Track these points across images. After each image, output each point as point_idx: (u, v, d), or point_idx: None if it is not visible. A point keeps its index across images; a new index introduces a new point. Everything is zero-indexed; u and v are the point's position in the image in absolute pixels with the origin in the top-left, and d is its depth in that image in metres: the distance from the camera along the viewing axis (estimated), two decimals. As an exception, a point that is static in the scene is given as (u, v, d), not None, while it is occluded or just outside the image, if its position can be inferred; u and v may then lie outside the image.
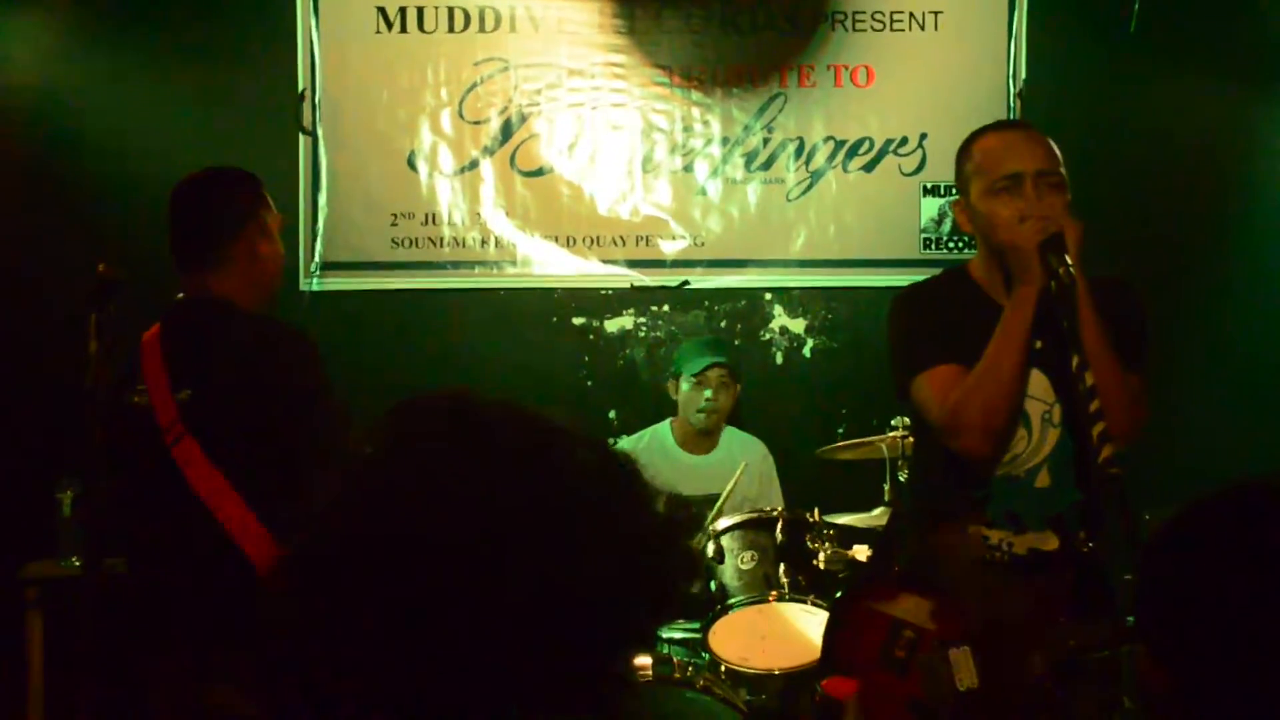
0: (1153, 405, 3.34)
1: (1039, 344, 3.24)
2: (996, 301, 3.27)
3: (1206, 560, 1.45)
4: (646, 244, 6.21)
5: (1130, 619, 2.95)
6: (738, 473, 5.29)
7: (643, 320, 6.27)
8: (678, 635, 4.89)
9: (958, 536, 3.31)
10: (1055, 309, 3.11)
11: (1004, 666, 3.12)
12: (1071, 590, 3.28)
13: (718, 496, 5.26)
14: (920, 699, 3.16)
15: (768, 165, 6.22)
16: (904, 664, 3.19)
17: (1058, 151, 3.30)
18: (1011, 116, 6.00)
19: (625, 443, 5.79)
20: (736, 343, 6.20)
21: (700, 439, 5.68)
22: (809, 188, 6.22)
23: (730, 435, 5.76)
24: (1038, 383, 3.29)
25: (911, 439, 4.65)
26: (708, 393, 5.55)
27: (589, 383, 6.26)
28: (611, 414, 6.23)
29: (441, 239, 6.17)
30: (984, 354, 3.18)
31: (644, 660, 4.32)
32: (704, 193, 6.22)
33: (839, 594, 3.51)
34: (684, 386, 5.62)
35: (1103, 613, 3.16)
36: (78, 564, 5.09)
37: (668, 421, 5.79)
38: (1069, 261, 3.07)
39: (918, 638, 3.19)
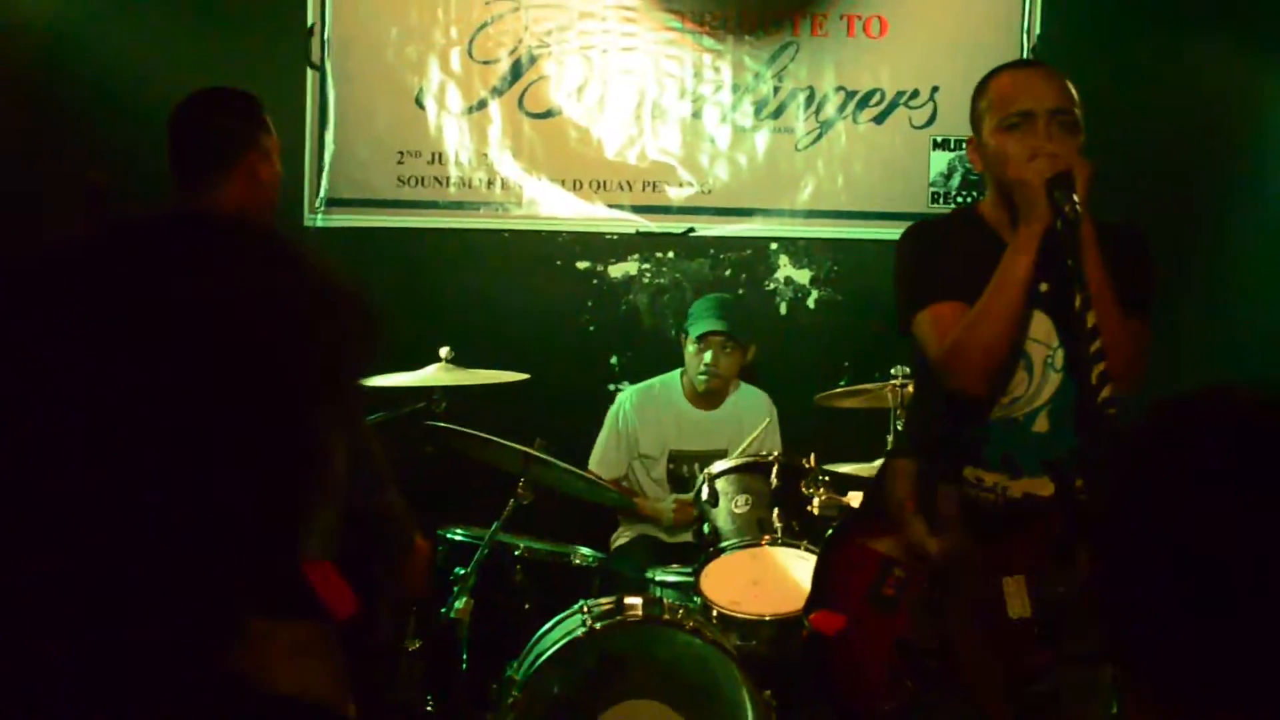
0: (1152, 354, 3.30)
1: (1044, 287, 3.20)
2: (1004, 241, 3.23)
3: (1162, 463, 1.42)
4: (653, 190, 6.17)
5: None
6: (758, 430, 5.28)
7: (647, 266, 6.24)
8: (670, 578, 4.89)
9: (953, 478, 3.28)
10: (1060, 249, 3.07)
11: (991, 609, 3.09)
12: (1063, 537, 3.25)
13: (723, 452, 5.23)
14: (907, 638, 3.14)
15: (777, 114, 6.18)
16: (893, 602, 3.17)
17: (1074, 92, 3.25)
18: (1027, 65, 5.95)
19: (632, 390, 5.78)
20: (740, 292, 6.17)
21: (706, 395, 5.65)
22: (818, 138, 6.18)
23: (738, 391, 5.72)
24: (1041, 326, 3.25)
25: (911, 386, 4.63)
26: (707, 357, 5.48)
27: (591, 327, 6.24)
28: (613, 360, 6.21)
29: (448, 178, 6.14)
30: (985, 291, 3.15)
31: (635, 600, 4.33)
32: (712, 140, 6.19)
33: (831, 531, 3.48)
34: (689, 346, 5.57)
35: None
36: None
37: (678, 372, 5.74)
38: (1076, 200, 3.03)
39: (908, 577, 3.17)
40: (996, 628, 3.08)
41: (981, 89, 3.36)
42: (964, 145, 5.89)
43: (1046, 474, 3.26)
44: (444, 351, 5.01)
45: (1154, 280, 3.36)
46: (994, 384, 3.21)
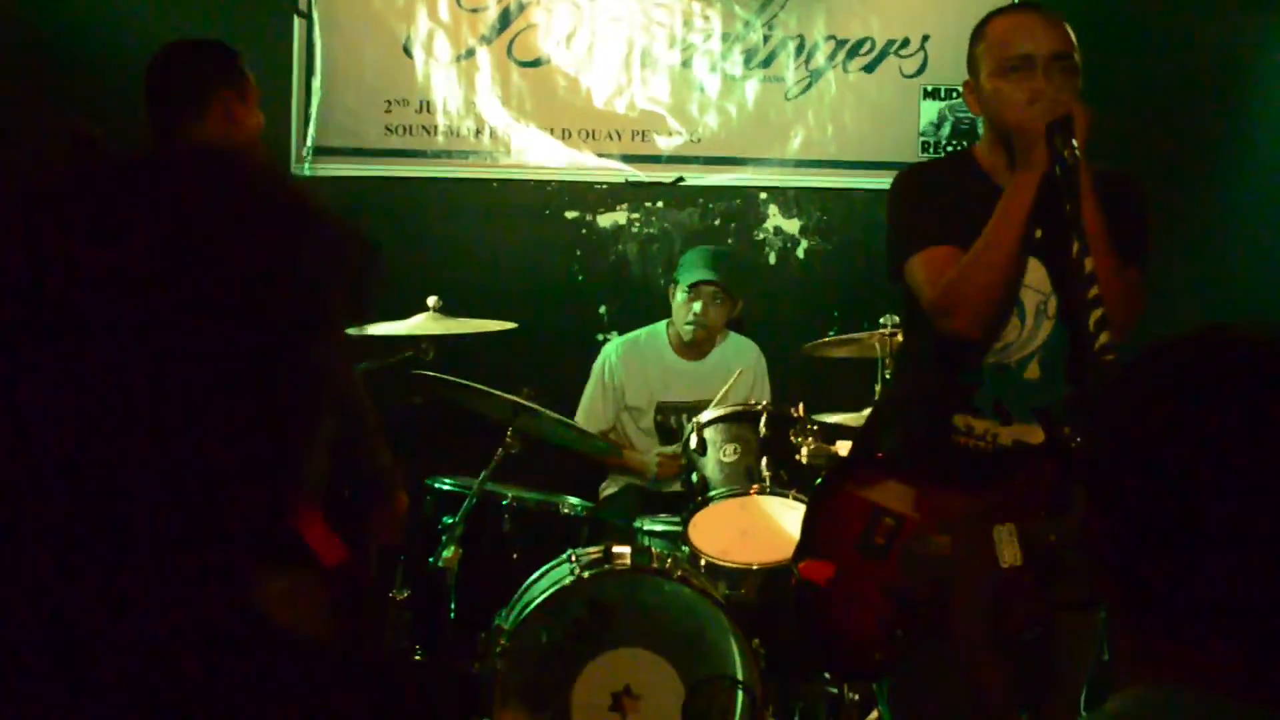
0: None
1: (1039, 233, 3.18)
2: (999, 185, 3.20)
3: (1157, 399, 1.41)
4: (642, 139, 6.14)
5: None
6: (731, 379, 5.25)
7: (636, 216, 6.21)
8: (658, 528, 4.89)
9: (943, 424, 3.27)
10: (1058, 194, 3.05)
11: (982, 557, 3.09)
12: (1054, 485, 3.24)
13: (709, 402, 5.22)
14: (898, 586, 3.13)
15: (767, 63, 6.14)
16: (883, 551, 3.16)
17: (1073, 36, 3.22)
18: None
19: (618, 342, 5.75)
20: (729, 241, 6.15)
21: (692, 345, 5.62)
22: (808, 87, 6.14)
23: (725, 341, 5.69)
24: (1035, 273, 3.23)
25: (900, 335, 4.62)
26: (696, 307, 5.45)
27: (580, 277, 6.21)
28: (602, 309, 6.19)
29: (435, 127, 6.10)
30: (982, 235, 3.12)
31: (623, 549, 4.33)
32: (702, 89, 6.14)
33: (820, 480, 3.46)
34: (679, 295, 5.53)
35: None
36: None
37: (664, 323, 5.71)
38: (1075, 145, 3.01)
39: (898, 525, 3.16)
40: (987, 576, 3.07)
41: (980, 32, 3.32)
42: (954, 94, 5.92)
43: (1037, 421, 3.26)
44: (432, 301, 5.00)
45: (1148, 229, 3.34)
46: (988, 328, 3.19)
